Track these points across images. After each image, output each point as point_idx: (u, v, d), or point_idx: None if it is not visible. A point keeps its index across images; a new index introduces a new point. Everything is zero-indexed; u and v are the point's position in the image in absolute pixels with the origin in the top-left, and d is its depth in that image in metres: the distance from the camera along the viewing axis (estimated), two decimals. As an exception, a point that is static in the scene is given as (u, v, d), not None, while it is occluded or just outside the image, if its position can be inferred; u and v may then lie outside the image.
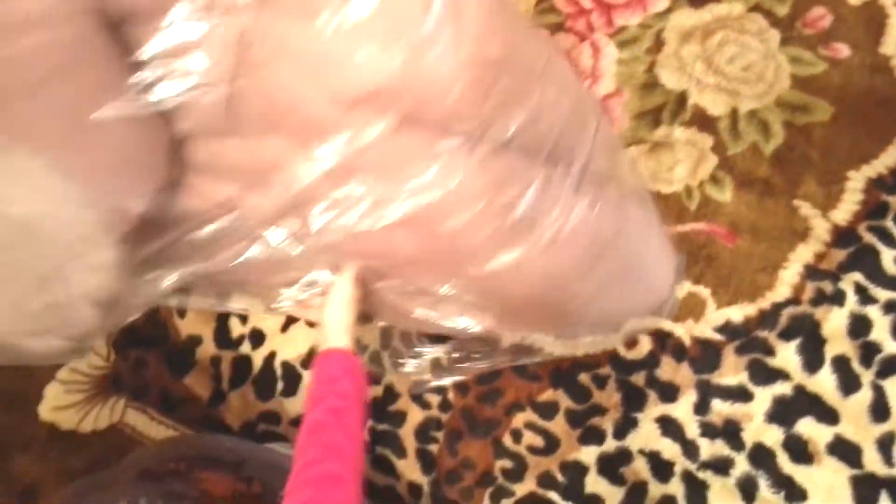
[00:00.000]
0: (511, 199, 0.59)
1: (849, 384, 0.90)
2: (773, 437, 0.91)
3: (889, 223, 0.94)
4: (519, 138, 0.56)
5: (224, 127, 0.52)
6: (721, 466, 0.91)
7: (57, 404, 1.13)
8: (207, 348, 1.10)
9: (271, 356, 1.08)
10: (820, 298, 0.93)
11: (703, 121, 1.00)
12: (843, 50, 1.00)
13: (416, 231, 0.60)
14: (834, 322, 0.92)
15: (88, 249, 0.48)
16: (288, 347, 1.08)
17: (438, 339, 0.98)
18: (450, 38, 0.46)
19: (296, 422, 1.06)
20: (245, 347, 1.09)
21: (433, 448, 1.00)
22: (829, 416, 0.90)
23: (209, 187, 0.60)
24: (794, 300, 0.94)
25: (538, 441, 0.96)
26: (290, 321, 1.09)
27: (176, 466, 0.73)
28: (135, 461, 0.80)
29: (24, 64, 0.42)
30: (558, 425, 0.96)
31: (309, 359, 1.07)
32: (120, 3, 0.45)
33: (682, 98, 1.02)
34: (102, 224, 0.48)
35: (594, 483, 0.94)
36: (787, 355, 0.92)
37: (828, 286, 0.93)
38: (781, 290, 0.94)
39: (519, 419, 0.98)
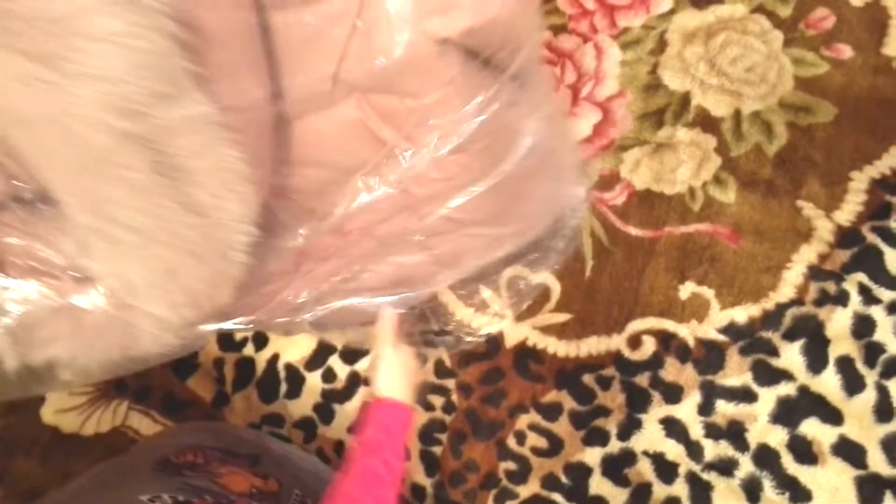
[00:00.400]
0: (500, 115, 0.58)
1: (853, 385, 0.90)
2: (777, 437, 0.91)
3: (892, 223, 0.94)
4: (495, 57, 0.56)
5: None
6: (725, 467, 0.91)
7: (60, 407, 1.12)
8: (211, 350, 1.10)
9: (274, 358, 1.07)
10: (824, 299, 0.93)
11: (706, 122, 1.00)
12: (845, 51, 1.00)
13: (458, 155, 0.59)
14: (838, 323, 0.92)
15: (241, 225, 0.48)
16: (291, 350, 1.08)
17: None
18: None
19: (299, 424, 1.05)
20: (248, 350, 1.09)
21: (437, 450, 1.00)
22: (833, 416, 0.90)
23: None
24: (798, 301, 0.94)
25: (542, 443, 0.96)
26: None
27: (194, 458, 0.74)
28: (152, 448, 0.80)
29: None
30: (562, 427, 0.96)
31: (312, 361, 1.07)
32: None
33: (685, 99, 1.02)
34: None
35: (598, 484, 0.94)
36: (791, 356, 0.92)
37: (831, 287, 0.93)
38: (785, 290, 0.94)
39: (523, 421, 0.98)
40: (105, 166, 0.41)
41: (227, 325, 0.67)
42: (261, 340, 1.09)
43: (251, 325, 0.71)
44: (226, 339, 1.10)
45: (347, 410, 1.05)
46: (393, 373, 0.72)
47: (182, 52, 0.39)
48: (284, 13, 0.45)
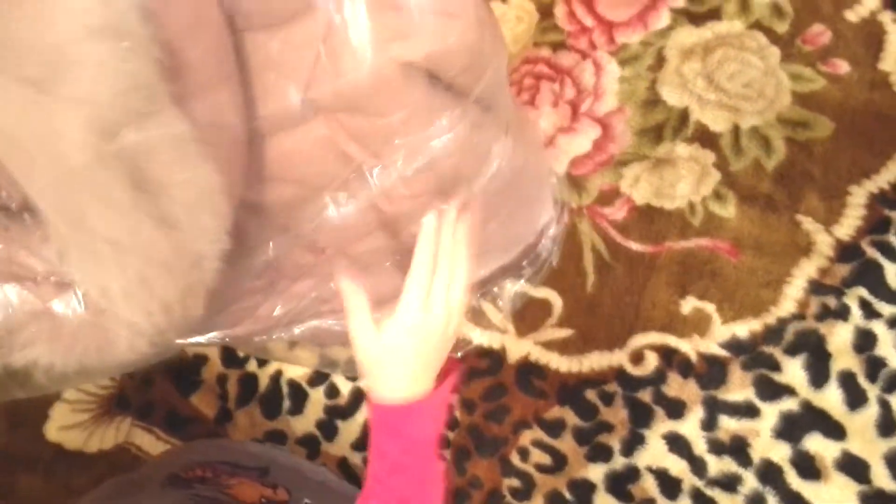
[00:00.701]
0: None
1: (855, 399, 0.90)
2: (780, 453, 0.91)
3: (891, 238, 0.94)
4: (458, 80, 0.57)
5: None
6: (729, 483, 0.91)
7: (63, 424, 1.13)
8: (214, 367, 1.10)
9: (278, 374, 1.08)
10: (825, 313, 0.93)
11: (704, 137, 1.01)
12: (842, 66, 1.01)
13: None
14: (839, 337, 0.92)
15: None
16: (294, 366, 1.08)
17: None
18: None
19: (302, 441, 1.06)
20: (251, 365, 1.09)
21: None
22: (836, 431, 0.90)
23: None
24: (799, 315, 0.94)
25: (546, 459, 0.96)
26: (296, 339, 1.09)
27: (203, 473, 0.73)
28: (160, 465, 0.80)
29: None
30: (566, 443, 0.96)
31: (315, 377, 1.07)
32: None
33: (683, 115, 1.02)
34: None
35: (602, 501, 0.94)
36: (794, 371, 0.92)
37: (832, 301, 0.93)
38: (786, 305, 0.94)
39: (526, 437, 0.98)
40: (85, 182, 0.42)
41: (202, 339, 0.68)
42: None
43: (226, 340, 0.71)
44: (229, 356, 1.10)
45: (351, 427, 1.05)
46: (381, 361, 0.53)
47: (164, 74, 0.40)
48: (255, 35, 0.47)
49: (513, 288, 0.83)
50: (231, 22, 0.45)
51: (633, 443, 0.94)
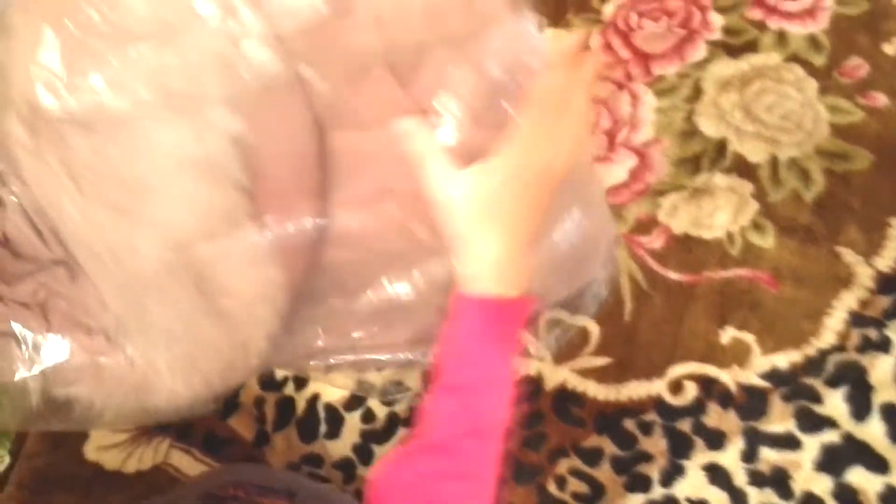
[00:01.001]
0: None
1: (899, 433, 0.90)
2: (822, 486, 0.90)
3: (933, 270, 0.94)
4: None
5: None
6: (771, 516, 0.90)
7: (101, 444, 1.14)
8: (251, 389, 1.12)
9: (314, 398, 1.09)
10: (866, 345, 0.93)
11: (743, 168, 1.02)
12: (880, 98, 1.01)
13: None
14: (881, 369, 0.92)
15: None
16: (331, 389, 1.09)
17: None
18: None
19: (338, 465, 1.06)
20: (289, 389, 1.10)
21: (476, 493, 0.99)
22: (879, 464, 0.89)
23: None
24: (840, 347, 0.94)
25: (583, 488, 0.96)
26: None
27: (235, 492, 0.75)
28: (194, 486, 0.82)
29: None
30: (604, 472, 0.96)
31: (351, 401, 1.08)
32: None
33: (721, 145, 1.03)
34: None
35: (641, 531, 0.93)
36: (835, 403, 0.92)
37: (873, 333, 0.93)
38: (826, 336, 0.94)
39: (563, 465, 0.98)
40: (151, 287, 0.44)
41: None
42: (301, 380, 1.10)
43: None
44: (267, 379, 1.11)
45: (386, 451, 1.05)
46: (472, 215, 0.41)
47: (245, 196, 0.41)
48: (344, 133, 0.46)
49: (558, 325, 0.84)
50: (320, 121, 0.45)
51: (673, 473, 0.94)
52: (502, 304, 0.43)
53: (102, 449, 1.14)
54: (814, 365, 0.94)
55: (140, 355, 0.50)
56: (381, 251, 0.56)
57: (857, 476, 0.90)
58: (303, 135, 0.44)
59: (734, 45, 1.07)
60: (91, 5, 0.37)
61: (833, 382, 0.93)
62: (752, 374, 0.95)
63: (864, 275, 0.95)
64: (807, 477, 0.91)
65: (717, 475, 0.93)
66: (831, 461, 0.90)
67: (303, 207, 0.46)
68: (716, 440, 0.94)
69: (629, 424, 0.97)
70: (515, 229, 0.43)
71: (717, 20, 1.10)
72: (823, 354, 0.94)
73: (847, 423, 0.91)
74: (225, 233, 0.42)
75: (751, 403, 0.94)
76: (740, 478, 0.92)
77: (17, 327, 0.48)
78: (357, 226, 0.53)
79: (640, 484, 0.95)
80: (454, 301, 0.45)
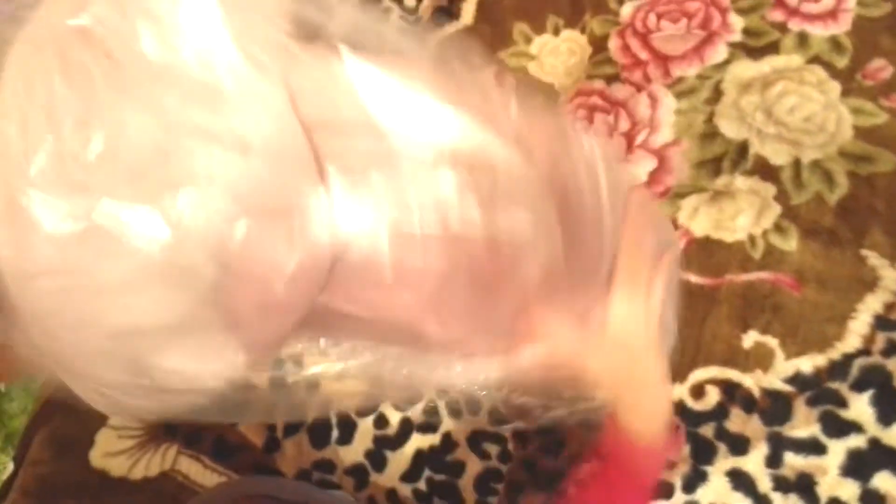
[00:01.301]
0: None
1: (926, 438, 0.88)
2: (848, 491, 0.89)
3: (958, 273, 0.93)
4: None
5: None
6: (797, 522, 0.89)
7: (108, 450, 1.11)
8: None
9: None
10: (891, 349, 0.92)
11: (765, 170, 1.01)
12: (903, 101, 1.01)
13: None
14: (906, 374, 0.91)
15: None
16: (343, 394, 1.07)
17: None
18: None
19: (350, 471, 1.04)
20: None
21: (493, 500, 0.98)
22: (906, 470, 0.88)
23: None
24: (865, 351, 0.92)
25: (605, 494, 0.94)
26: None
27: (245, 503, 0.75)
28: (204, 499, 0.83)
29: None
30: (626, 478, 0.94)
31: (363, 407, 1.06)
32: None
33: (742, 147, 1.02)
34: None
35: (664, 539, 0.92)
36: (860, 407, 0.91)
37: (898, 337, 0.92)
38: (851, 340, 0.93)
39: (583, 472, 0.96)
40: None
41: None
42: (312, 386, 1.08)
43: None
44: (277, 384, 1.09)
45: (399, 458, 1.03)
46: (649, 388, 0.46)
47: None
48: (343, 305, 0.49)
49: None
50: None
51: (696, 479, 0.92)
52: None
53: (108, 455, 1.11)
54: (838, 369, 0.92)
55: None
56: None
57: (884, 481, 0.88)
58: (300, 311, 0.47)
59: (755, 47, 1.06)
60: None
61: (858, 387, 0.91)
62: (775, 378, 0.94)
63: (889, 278, 0.94)
64: (832, 482, 0.89)
65: (740, 481, 0.91)
66: (857, 466, 0.89)
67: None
68: (739, 445, 0.92)
69: (651, 430, 0.95)
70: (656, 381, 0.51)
71: (738, 22, 1.09)
72: (848, 358, 0.92)
73: (873, 427, 0.90)
74: None
75: (774, 408, 0.93)
76: (764, 484, 0.91)
77: None
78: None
79: (662, 490, 0.93)
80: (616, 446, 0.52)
